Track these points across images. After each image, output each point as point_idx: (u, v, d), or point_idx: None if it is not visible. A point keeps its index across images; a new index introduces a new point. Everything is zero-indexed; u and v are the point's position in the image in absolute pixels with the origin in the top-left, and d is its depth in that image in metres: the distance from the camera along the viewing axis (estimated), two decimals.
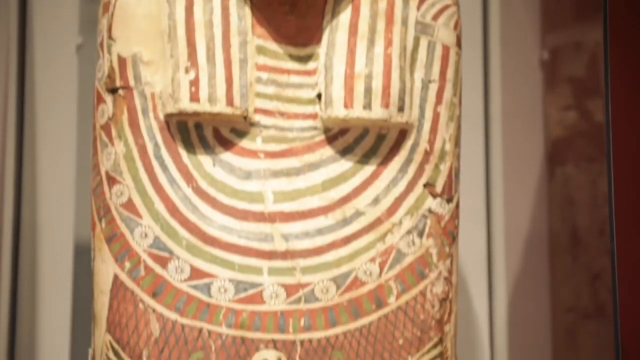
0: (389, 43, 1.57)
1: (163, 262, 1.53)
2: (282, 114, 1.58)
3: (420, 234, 1.57)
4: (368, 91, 1.55)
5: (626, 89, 1.81)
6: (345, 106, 1.55)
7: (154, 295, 1.53)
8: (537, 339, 2.17)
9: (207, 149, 1.56)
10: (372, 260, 1.55)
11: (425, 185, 1.58)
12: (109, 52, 1.58)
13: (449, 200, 1.59)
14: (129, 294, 1.53)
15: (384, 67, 1.55)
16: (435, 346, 1.55)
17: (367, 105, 1.55)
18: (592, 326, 2.16)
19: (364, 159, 1.58)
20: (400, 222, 1.57)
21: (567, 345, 2.17)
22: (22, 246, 2.12)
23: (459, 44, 1.63)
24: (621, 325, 1.75)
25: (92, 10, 1.70)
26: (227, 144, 1.57)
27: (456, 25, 1.62)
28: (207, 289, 1.53)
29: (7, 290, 2.07)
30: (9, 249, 2.09)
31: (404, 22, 1.58)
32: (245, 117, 1.56)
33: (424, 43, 1.60)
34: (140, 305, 1.53)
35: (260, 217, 1.55)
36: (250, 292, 1.53)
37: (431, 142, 1.59)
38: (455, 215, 1.59)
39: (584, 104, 2.26)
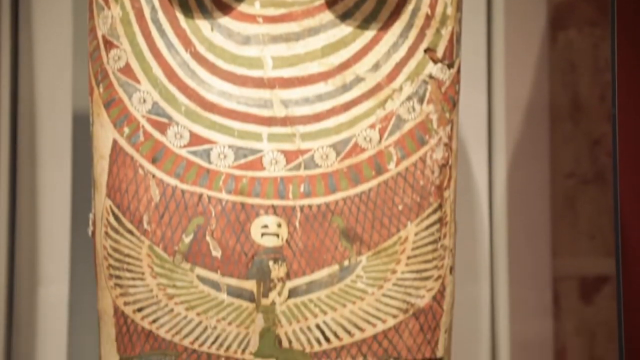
0: None
1: (162, 128, 1.54)
2: None
3: (421, 100, 1.56)
4: None
5: None
6: None
7: (153, 160, 1.53)
8: (536, 205, 2.18)
9: (205, 13, 1.55)
10: (372, 126, 1.55)
11: (426, 51, 1.57)
12: None
13: (450, 66, 1.58)
14: (129, 159, 1.54)
15: None
16: (434, 212, 1.56)
17: None
18: (591, 191, 2.17)
19: (364, 24, 1.56)
20: (401, 88, 1.56)
21: (566, 211, 2.18)
22: (20, 112, 2.11)
23: None
24: (621, 190, 1.76)
25: None
26: (225, 8, 1.55)
27: None
28: (206, 154, 1.53)
29: (6, 157, 2.07)
30: (7, 115, 2.08)
31: None
32: None
33: None
34: (140, 171, 1.53)
35: (260, 82, 1.54)
36: (250, 158, 1.53)
37: (432, 5, 1.57)
38: (456, 80, 1.58)
39: None
